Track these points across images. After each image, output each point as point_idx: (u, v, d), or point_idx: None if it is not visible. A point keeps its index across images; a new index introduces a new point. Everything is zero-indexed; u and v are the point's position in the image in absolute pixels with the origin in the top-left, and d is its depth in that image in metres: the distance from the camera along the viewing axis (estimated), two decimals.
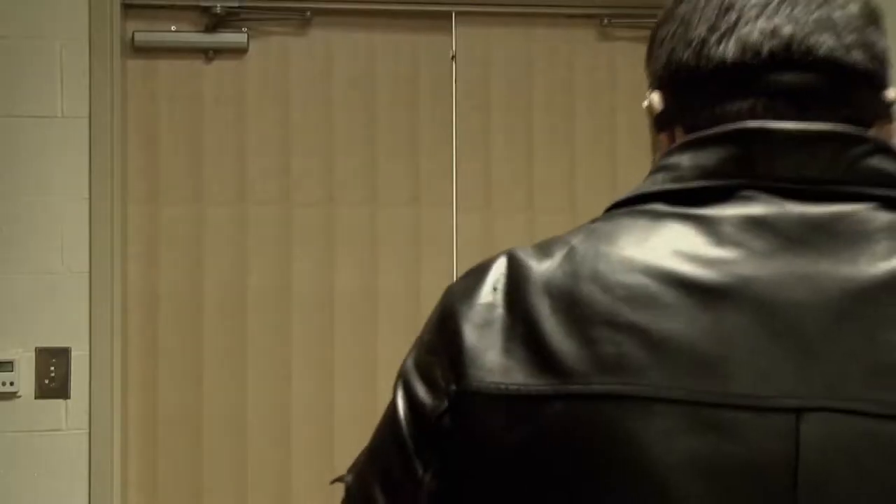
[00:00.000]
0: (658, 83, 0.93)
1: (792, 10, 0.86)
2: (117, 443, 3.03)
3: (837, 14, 0.87)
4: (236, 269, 3.15)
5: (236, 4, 3.12)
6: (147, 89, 3.14)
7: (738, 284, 0.78)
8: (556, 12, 3.24)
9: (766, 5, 0.87)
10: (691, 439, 0.75)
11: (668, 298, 0.78)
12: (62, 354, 2.99)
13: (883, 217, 0.81)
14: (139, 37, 3.10)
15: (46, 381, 2.98)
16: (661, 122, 0.92)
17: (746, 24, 0.87)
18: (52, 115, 3.00)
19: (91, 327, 2.99)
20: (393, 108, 3.21)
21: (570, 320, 0.80)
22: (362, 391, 3.18)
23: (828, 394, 0.75)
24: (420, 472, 0.85)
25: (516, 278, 0.84)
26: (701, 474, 0.74)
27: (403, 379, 0.88)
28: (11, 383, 2.96)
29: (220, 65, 3.17)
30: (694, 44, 0.89)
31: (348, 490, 0.94)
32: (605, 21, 3.24)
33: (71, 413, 2.99)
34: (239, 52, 3.17)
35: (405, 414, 0.86)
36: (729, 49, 0.87)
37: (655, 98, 0.92)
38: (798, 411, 0.75)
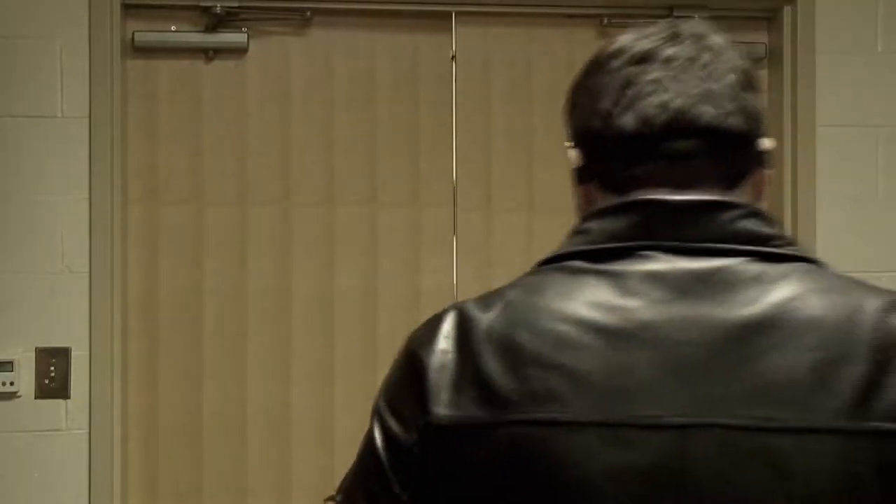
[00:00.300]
0: (575, 142, 1.13)
1: (680, 85, 1.06)
2: (117, 443, 3.03)
3: (716, 87, 1.07)
4: (236, 269, 3.15)
5: (236, 4, 3.12)
6: (147, 89, 3.14)
7: (639, 328, 0.99)
8: (556, 12, 3.24)
9: (658, 82, 1.07)
10: (605, 452, 0.95)
11: (585, 341, 0.99)
12: (62, 354, 2.99)
13: (751, 269, 1.01)
14: (139, 37, 3.10)
15: (46, 381, 2.98)
16: (580, 178, 1.13)
17: (643, 99, 1.07)
18: (52, 115, 3.00)
19: (91, 327, 2.99)
20: (393, 108, 3.21)
21: (508, 362, 1.00)
22: (362, 391, 3.18)
23: (709, 413, 0.95)
24: (398, 491, 1.03)
25: (465, 328, 1.03)
26: (613, 479, 0.95)
27: (379, 415, 1.06)
28: (11, 383, 2.96)
29: (220, 65, 3.17)
30: (602, 114, 1.09)
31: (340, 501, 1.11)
32: (605, 21, 3.24)
33: (71, 413, 2.99)
34: (239, 52, 3.17)
35: (382, 445, 1.05)
36: (629, 121, 1.07)
37: (574, 154, 1.13)
38: (685, 427, 0.95)
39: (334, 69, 3.20)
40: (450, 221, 3.21)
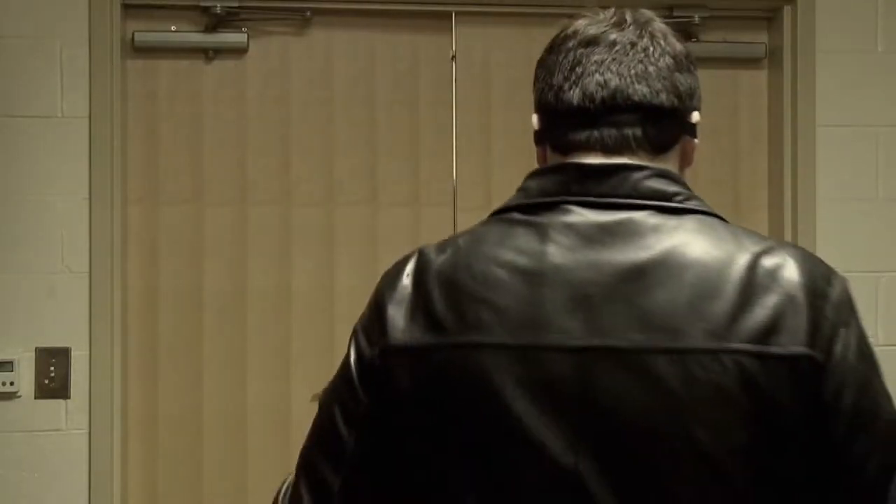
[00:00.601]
0: (535, 109, 1.34)
1: (619, 66, 1.26)
2: (117, 443, 3.03)
3: (651, 68, 1.27)
4: (236, 269, 3.15)
5: (236, 4, 3.12)
6: (147, 89, 3.14)
7: (551, 269, 1.21)
8: (556, 12, 3.22)
9: (601, 63, 1.27)
10: (518, 368, 1.19)
11: (508, 280, 1.21)
12: (62, 354, 2.99)
13: (651, 221, 1.22)
14: (139, 37, 3.10)
15: (46, 381, 2.98)
16: (537, 139, 1.35)
17: (586, 77, 1.27)
18: (52, 115, 3.00)
19: (91, 327, 2.99)
20: (393, 108, 3.21)
21: (450, 297, 1.23)
22: None
23: (602, 338, 1.18)
24: (362, 397, 1.27)
25: (421, 269, 1.27)
26: (524, 389, 1.18)
27: (355, 336, 1.32)
28: (11, 383, 2.97)
29: (220, 65, 3.17)
30: (554, 88, 1.30)
31: (320, 405, 1.36)
32: None
33: (71, 413, 2.99)
34: (239, 52, 3.17)
35: (354, 358, 1.30)
36: (574, 96, 1.28)
37: (535, 119, 1.34)
38: (583, 349, 1.18)
39: (334, 69, 3.20)
40: (450, 221, 3.21)
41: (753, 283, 1.18)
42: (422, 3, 3.20)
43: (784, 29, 3.23)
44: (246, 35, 3.15)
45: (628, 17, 1.31)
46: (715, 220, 1.24)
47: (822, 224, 3.19)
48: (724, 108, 3.24)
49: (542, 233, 1.23)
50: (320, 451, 1.31)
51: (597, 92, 1.27)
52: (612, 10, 1.32)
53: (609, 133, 1.26)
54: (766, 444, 1.16)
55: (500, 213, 1.30)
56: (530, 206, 1.27)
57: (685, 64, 1.30)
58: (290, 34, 3.20)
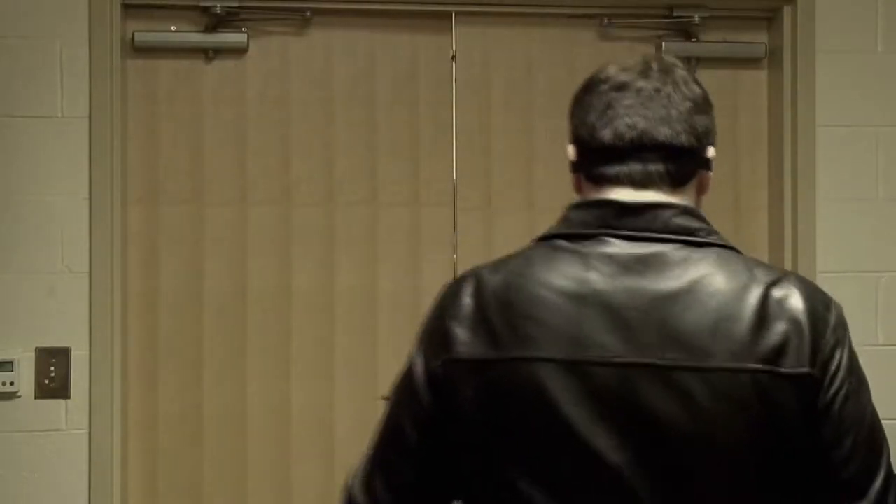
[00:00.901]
0: (571, 140, 1.55)
1: (646, 110, 1.47)
2: (117, 443, 3.03)
3: (673, 112, 1.47)
4: (236, 269, 3.15)
5: (236, 4, 3.12)
6: (147, 89, 3.14)
7: (593, 294, 1.41)
8: (556, 12, 3.24)
9: (630, 107, 1.47)
10: (568, 379, 1.38)
11: (555, 302, 1.41)
12: (62, 354, 2.99)
13: (679, 254, 1.43)
14: (139, 37, 3.10)
15: (46, 381, 2.98)
16: (573, 168, 1.56)
17: (617, 119, 1.47)
18: (52, 115, 3.00)
19: (91, 327, 2.99)
20: (393, 108, 3.21)
21: (505, 315, 1.42)
22: (362, 391, 3.18)
23: (639, 355, 1.38)
24: (426, 402, 1.45)
25: (480, 290, 1.45)
26: (574, 396, 1.38)
27: (419, 347, 1.49)
28: (11, 383, 2.97)
29: (220, 65, 3.17)
30: (588, 126, 1.50)
31: (387, 410, 1.52)
32: (605, 21, 3.23)
33: (71, 413, 2.99)
34: (239, 52, 3.17)
35: (419, 370, 1.47)
36: (606, 135, 1.48)
37: (570, 150, 1.56)
38: (624, 365, 1.38)
39: (334, 69, 3.20)
40: (450, 221, 3.21)
41: (766, 311, 1.39)
42: (422, 3, 3.20)
43: (784, 29, 3.23)
44: (246, 35, 3.15)
45: (654, 66, 1.51)
46: (731, 253, 1.46)
47: (822, 224, 3.19)
48: (724, 108, 3.22)
49: (584, 261, 1.43)
50: (391, 449, 1.50)
51: (626, 133, 1.47)
52: (640, 59, 1.53)
53: (636, 168, 1.47)
54: (775, 446, 1.39)
55: (546, 240, 1.50)
56: (573, 236, 1.47)
57: (703, 106, 1.51)
58: (290, 34, 3.20)
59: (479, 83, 3.23)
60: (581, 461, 1.38)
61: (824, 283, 3.20)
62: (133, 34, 3.10)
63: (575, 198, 1.55)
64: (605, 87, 1.50)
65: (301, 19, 3.18)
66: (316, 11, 3.18)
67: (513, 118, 3.22)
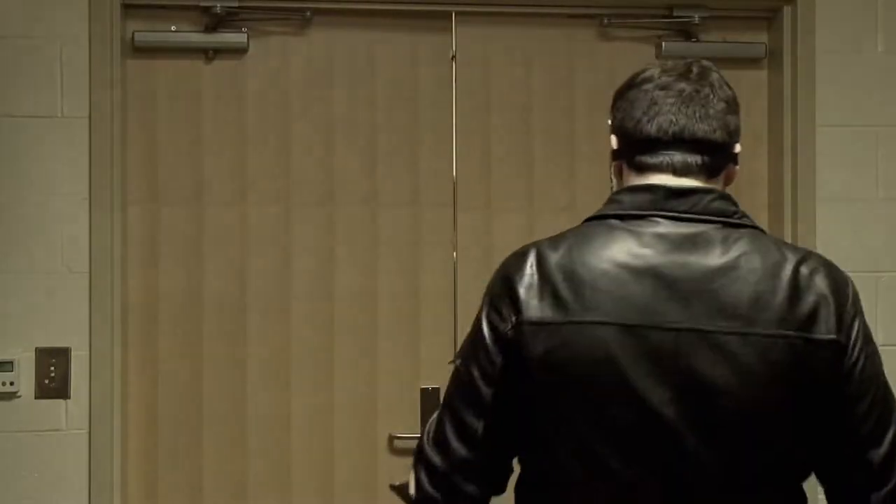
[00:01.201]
0: (614, 131, 1.75)
1: (686, 109, 1.68)
2: (117, 443, 3.03)
3: (711, 111, 1.69)
4: (236, 269, 3.15)
5: (236, 4, 3.12)
6: (147, 89, 3.13)
7: (649, 268, 1.61)
8: (556, 12, 3.24)
9: (672, 104, 1.68)
10: (625, 340, 1.58)
11: (616, 274, 1.61)
12: (62, 354, 2.99)
13: (720, 233, 1.64)
14: (139, 37, 3.10)
15: (46, 381, 2.98)
16: (616, 156, 1.76)
17: (661, 115, 1.68)
18: (52, 115, 3.00)
19: (91, 327, 2.99)
20: (393, 108, 3.21)
21: (571, 284, 1.62)
22: (362, 390, 3.18)
23: (692, 322, 1.58)
24: (496, 359, 1.65)
25: (542, 262, 1.64)
26: (629, 355, 1.58)
27: (486, 311, 1.68)
28: (11, 383, 2.97)
29: (220, 65, 3.17)
30: (635, 119, 1.70)
31: (457, 369, 1.71)
32: (605, 21, 3.23)
33: (71, 413, 2.99)
34: (239, 52, 3.17)
35: (487, 331, 1.66)
36: (652, 128, 1.69)
37: (613, 140, 1.76)
38: (677, 329, 1.58)
39: (334, 69, 3.20)
40: (450, 221, 3.21)
41: (797, 285, 1.61)
42: (422, 3, 3.20)
43: (784, 29, 3.23)
44: (246, 35, 3.15)
45: (694, 69, 1.71)
46: (761, 234, 1.68)
47: (822, 224, 3.19)
48: None
49: (639, 238, 1.63)
50: (462, 402, 1.68)
51: (669, 127, 1.67)
52: (681, 62, 1.74)
53: (677, 158, 1.68)
54: (807, 403, 1.60)
55: (598, 219, 1.68)
56: (625, 217, 1.66)
57: (733, 107, 1.73)
58: (290, 34, 3.20)
59: (478, 83, 3.23)
60: (635, 412, 1.57)
61: None
62: (133, 34, 3.10)
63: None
64: (649, 85, 1.70)
65: (301, 19, 3.18)
66: (316, 11, 3.18)
67: (513, 118, 3.22)
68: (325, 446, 3.16)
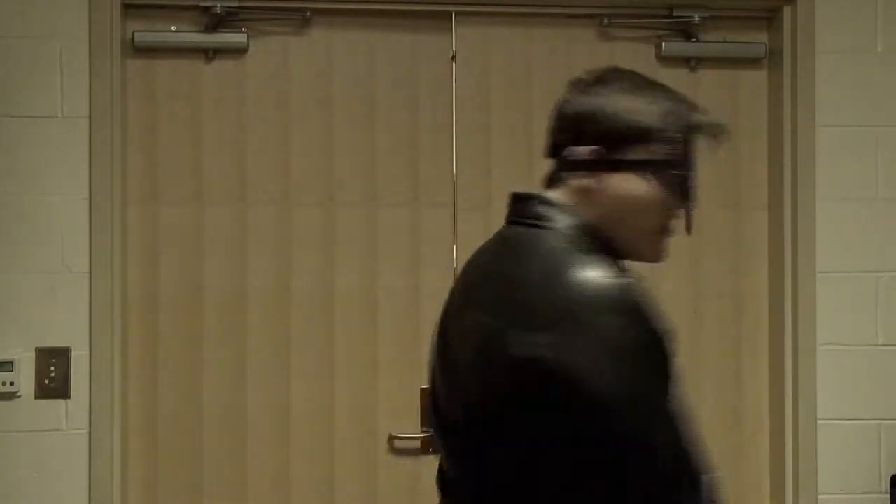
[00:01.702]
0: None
1: None
2: (117, 443, 3.03)
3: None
4: (236, 269, 3.15)
5: (236, 4, 3.12)
6: (147, 89, 3.14)
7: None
8: (556, 12, 3.24)
9: None
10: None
11: None
12: (62, 354, 2.99)
13: (532, 233, 1.80)
14: (139, 37, 3.10)
15: (46, 381, 2.98)
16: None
17: None
18: (52, 115, 3.00)
19: (91, 327, 2.99)
20: (393, 108, 3.21)
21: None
22: (362, 391, 3.18)
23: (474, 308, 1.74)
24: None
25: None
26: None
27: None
28: (11, 383, 2.97)
29: (220, 65, 3.17)
30: None
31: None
32: (605, 21, 3.24)
33: (71, 413, 2.99)
34: (239, 52, 3.17)
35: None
36: None
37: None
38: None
39: (334, 69, 3.20)
40: (450, 221, 3.21)
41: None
42: (422, 3, 3.20)
43: (784, 29, 3.23)
44: (246, 35, 3.15)
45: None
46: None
47: (822, 224, 3.19)
48: (724, 108, 3.24)
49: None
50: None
51: None
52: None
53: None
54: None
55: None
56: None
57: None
58: (290, 34, 3.20)
59: (478, 83, 3.23)
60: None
61: (824, 283, 3.22)
62: (133, 34, 3.10)
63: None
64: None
65: (301, 19, 3.18)
66: (316, 11, 3.18)
67: (513, 118, 3.22)
68: (325, 446, 3.17)
